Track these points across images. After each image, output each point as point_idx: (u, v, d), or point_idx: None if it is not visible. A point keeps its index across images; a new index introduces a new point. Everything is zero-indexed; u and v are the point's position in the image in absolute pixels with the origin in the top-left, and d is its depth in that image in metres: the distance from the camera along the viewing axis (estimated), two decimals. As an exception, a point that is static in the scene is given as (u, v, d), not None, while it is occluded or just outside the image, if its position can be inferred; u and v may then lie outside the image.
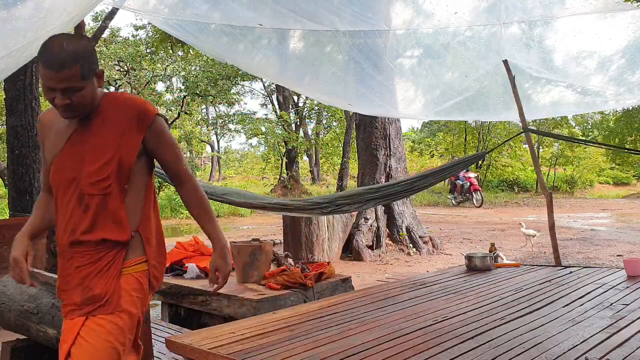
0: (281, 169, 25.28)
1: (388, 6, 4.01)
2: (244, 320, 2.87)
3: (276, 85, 26.15)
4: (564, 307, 3.15)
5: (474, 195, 17.98)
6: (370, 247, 8.38)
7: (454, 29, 4.26)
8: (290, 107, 26.11)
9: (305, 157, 33.79)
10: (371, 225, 8.59)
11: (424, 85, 4.65)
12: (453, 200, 18.71)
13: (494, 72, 4.47)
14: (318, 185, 33.08)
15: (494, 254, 4.70)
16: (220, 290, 3.18)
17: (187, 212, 14.84)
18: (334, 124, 30.14)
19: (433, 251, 8.61)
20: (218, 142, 47.84)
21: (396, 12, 4.10)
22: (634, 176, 34.75)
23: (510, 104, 4.57)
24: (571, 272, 4.18)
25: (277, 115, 25.35)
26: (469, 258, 4.46)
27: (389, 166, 8.95)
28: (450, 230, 11.69)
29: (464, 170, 17.13)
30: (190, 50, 8.11)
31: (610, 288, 3.61)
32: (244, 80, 24.99)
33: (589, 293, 3.49)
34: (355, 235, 8.37)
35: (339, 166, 23.38)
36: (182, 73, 21.33)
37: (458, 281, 3.95)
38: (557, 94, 5.03)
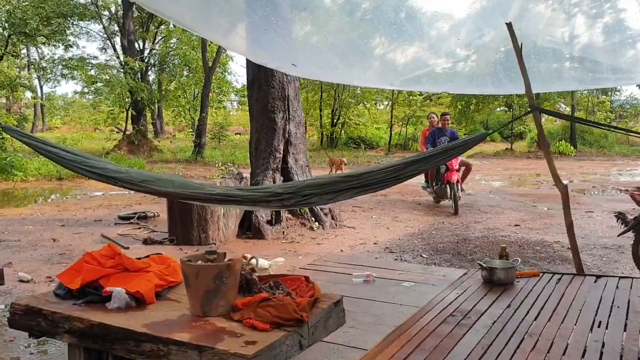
0: (126, 122, 22.81)
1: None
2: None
3: (120, 27, 23.30)
4: None
5: (449, 188, 9.42)
6: (269, 223, 7.47)
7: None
8: (136, 53, 23.48)
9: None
10: (269, 198, 7.65)
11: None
12: (427, 190, 10.39)
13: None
14: (163, 139, 30.86)
15: (514, 261, 4.11)
16: (179, 335, 2.42)
17: (22, 173, 12.50)
18: (185, 73, 27.96)
19: (335, 224, 7.96)
20: (41, 87, 42.46)
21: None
22: (465, 134, 37.45)
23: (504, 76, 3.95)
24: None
25: (121, 62, 22.66)
26: (490, 270, 3.83)
27: (288, 131, 8.02)
28: (332, 196, 11.16)
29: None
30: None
31: None
32: (82, 20, 21.81)
33: None
34: (254, 210, 7.38)
35: (196, 121, 21.71)
36: (7, 7, 17.79)
37: (501, 306, 3.38)
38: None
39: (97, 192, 12.44)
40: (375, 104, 32.14)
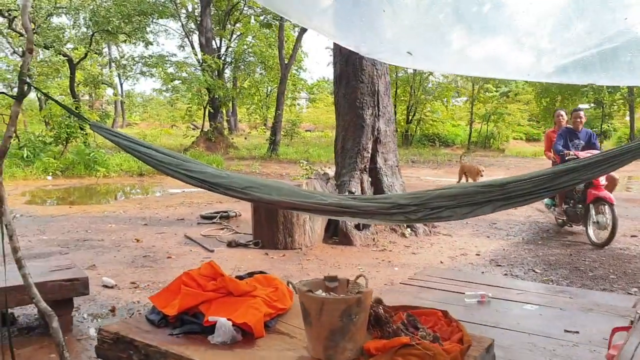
0: (204, 119, 22.95)
1: None
2: None
3: (198, 25, 23.51)
4: None
5: (595, 213, 6.89)
6: (357, 227, 6.94)
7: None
8: (214, 51, 23.60)
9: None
10: (358, 201, 7.12)
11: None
12: (553, 211, 8.06)
13: None
14: (237, 136, 31.09)
15: None
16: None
17: (105, 169, 12.63)
18: (258, 70, 27.98)
19: (429, 231, 7.32)
20: (121, 85, 43.98)
21: None
22: (543, 132, 35.59)
23: None
24: None
25: (199, 60, 22.82)
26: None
27: (378, 129, 7.45)
28: (417, 198, 10.46)
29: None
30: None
31: None
32: (161, 18, 22.11)
33: None
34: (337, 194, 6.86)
35: (272, 118, 21.58)
36: (91, 6, 18.20)
37: None
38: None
39: (176, 189, 12.35)
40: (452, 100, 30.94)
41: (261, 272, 2.96)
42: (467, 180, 11.18)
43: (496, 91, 30.15)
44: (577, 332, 3.72)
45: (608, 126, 28.95)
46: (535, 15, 3.31)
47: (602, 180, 6.87)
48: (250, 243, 6.63)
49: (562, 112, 8.31)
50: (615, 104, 25.19)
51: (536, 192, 2.79)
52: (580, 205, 7.18)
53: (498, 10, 3.39)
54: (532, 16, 3.33)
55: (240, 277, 2.83)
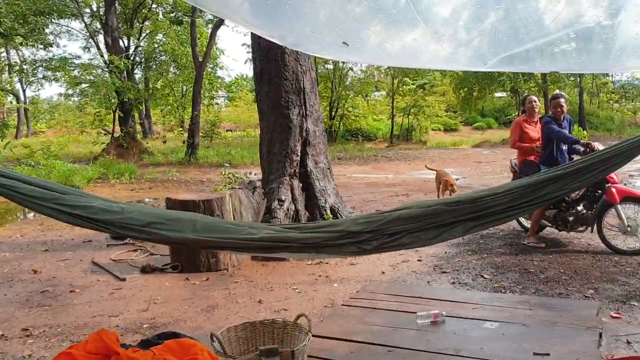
0: (114, 124, 21.43)
1: None
2: None
3: (103, 24, 21.94)
4: None
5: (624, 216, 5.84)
6: (289, 238, 6.31)
7: None
8: (121, 51, 22.08)
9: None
10: (287, 209, 6.50)
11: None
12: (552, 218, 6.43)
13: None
14: (152, 140, 29.53)
15: None
16: None
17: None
18: (172, 70, 26.67)
19: (366, 237, 6.81)
20: (24, 91, 40.94)
21: None
22: (461, 122, 36.45)
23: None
24: None
25: (105, 61, 21.27)
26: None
27: (306, 129, 6.85)
28: (347, 198, 9.97)
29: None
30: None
31: None
32: (62, 18, 20.38)
33: None
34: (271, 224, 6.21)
35: (187, 120, 20.44)
36: (-21, 6, 16.41)
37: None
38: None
39: (85, 203, 11.16)
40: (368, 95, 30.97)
41: (174, 335, 2.27)
42: (444, 190, 8.77)
43: (412, 84, 30.44)
44: (548, 355, 3.29)
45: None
46: (451, 6, 2.98)
47: (616, 177, 5.89)
48: (168, 267, 5.83)
49: (535, 98, 6.94)
50: (530, 91, 26.04)
51: (516, 207, 2.27)
52: (581, 208, 6.09)
53: (415, 3, 2.99)
54: (448, 7, 3.03)
55: (146, 343, 2.14)
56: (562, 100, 6.29)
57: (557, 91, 7.15)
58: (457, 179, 10.15)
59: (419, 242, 2.28)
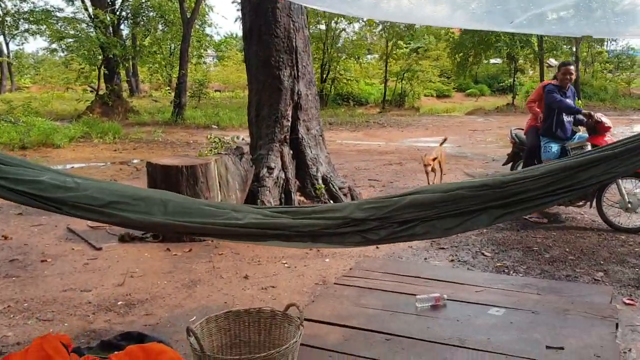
0: (99, 82, 20.68)
1: None
2: None
3: (87, -25, 20.93)
4: None
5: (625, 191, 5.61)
6: (278, 208, 5.95)
7: None
8: (107, 5, 21.14)
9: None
10: (277, 177, 6.12)
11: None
12: None
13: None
14: (140, 99, 28.74)
15: None
16: None
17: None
18: (160, 27, 25.71)
19: (359, 207, 6.46)
20: (7, 45, 39.60)
21: None
22: (454, 88, 35.88)
23: None
24: None
25: (90, 15, 20.35)
26: None
27: (298, 92, 6.40)
28: (339, 166, 9.57)
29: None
30: None
31: None
32: (42, -34, 19.31)
33: None
34: (260, 194, 5.85)
35: (175, 78, 19.76)
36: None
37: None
38: None
39: (69, 164, 10.66)
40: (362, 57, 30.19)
41: (140, 336, 1.91)
42: (440, 171, 7.56)
43: (406, 47, 29.69)
44: (562, 348, 3.00)
45: (513, 81, 29.39)
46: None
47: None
48: (148, 235, 5.46)
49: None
50: (527, 58, 25.47)
51: (552, 193, 1.91)
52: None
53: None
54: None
55: (106, 345, 1.78)
56: (572, 67, 5.96)
57: (567, 60, 6.77)
58: (450, 147, 9.71)
59: (434, 232, 1.93)
